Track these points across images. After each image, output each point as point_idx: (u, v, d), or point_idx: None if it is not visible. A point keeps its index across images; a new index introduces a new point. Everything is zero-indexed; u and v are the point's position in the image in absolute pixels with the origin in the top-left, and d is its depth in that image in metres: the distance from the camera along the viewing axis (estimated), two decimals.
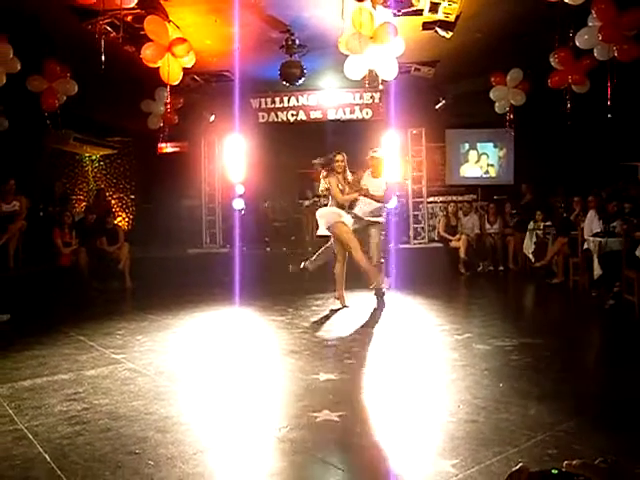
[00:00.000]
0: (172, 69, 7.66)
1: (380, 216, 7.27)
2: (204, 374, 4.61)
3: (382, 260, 7.30)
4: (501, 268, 10.97)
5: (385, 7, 6.91)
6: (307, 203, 11.94)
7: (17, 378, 4.36)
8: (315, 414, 3.46)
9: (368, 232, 7.18)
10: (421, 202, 11.69)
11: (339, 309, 7.15)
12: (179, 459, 2.86)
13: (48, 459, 2.89)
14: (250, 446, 3.11)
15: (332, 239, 7.15)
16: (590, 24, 7.31)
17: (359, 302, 7.39)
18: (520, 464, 0.68)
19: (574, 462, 0.67)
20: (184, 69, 8.01)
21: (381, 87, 9.23)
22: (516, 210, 11.49)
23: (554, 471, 0.67)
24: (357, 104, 11.08)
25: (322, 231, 7.15)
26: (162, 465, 2.79)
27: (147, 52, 7.38)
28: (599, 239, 7.54)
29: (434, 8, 7.16)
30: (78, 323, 6.44)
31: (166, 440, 3.11)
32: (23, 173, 9.96)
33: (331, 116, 11.17)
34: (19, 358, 4.95)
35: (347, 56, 7.15)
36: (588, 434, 3.07)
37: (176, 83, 8.06)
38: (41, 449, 3.01)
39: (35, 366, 4.70)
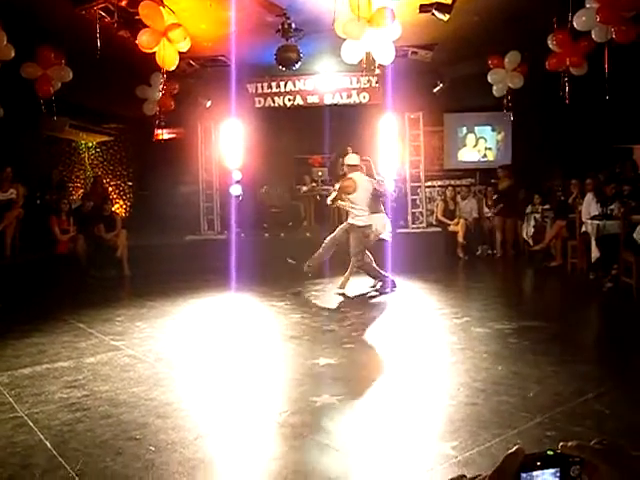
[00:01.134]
0: (168, 54, 7.60)
1: (356, 218, 7.25)
2: (204, 360, 4.62)
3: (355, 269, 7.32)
4: (495, 251, 10.95)
5: None
6: (305, 189, 11.91)
7: (17, 366, 4.36)
8: (315, 398, 3.47)
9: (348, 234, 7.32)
10: (419, 186, 11.65)
11: (340, 293, 7.17)
12: (180, 444, 2.87)
13: (49, 446, 2.90)
14: (250, 431, 3.12)
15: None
16: (588, 5, 7.27)
17: (358, 288, 7.41)
18: (516, 446, 0.67)
19: (569, 443, 0.66)
20: (179, 54, 7.95)
21: (377, 71, 9.19)
22: (496, 195, 11.38)
23: (550, 452, 0.67)
24: (354, 88, 11.02)
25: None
26: (163, 450, 2.80)
27: (143, 38, 7.32)
28: (597, 222, 7.53)
29: None
30: (77, 310, 6.43)
31: (166, 426, 3.12)
32: (19, 161, 9.92)
33: (328, 100, 11.11)
34: (18, 346, 4.95)
35: (343, 40, 7.10)
36: (587, 416, 3.09)
37: (172, 68, 8.01)
38: (42, 436, 3.02)
39: (34, 354, 4.70)
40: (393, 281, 7.31)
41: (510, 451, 0.66)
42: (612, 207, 7.73)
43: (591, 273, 7.81)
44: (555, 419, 3.04)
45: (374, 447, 2.85)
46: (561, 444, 0.67)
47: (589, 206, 8.10)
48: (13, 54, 7.54)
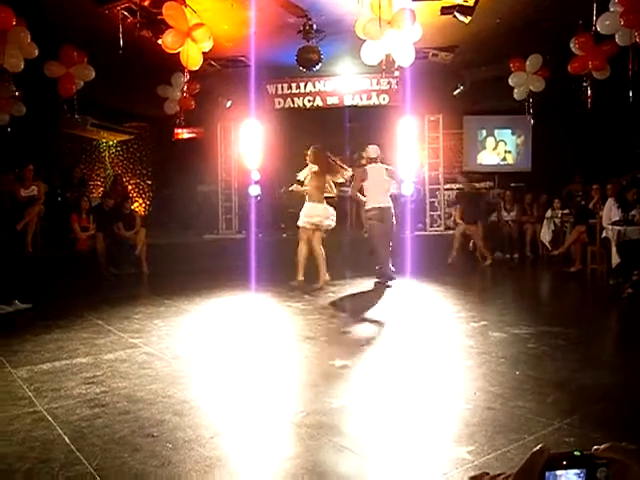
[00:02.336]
0: (192, 54, 7.64)
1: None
2: (221, 359, 4.64)
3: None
4: (515, 255, 10.89)
5: None
6: None
7: (36, 361, 4.41)
8: (331, 400, 3.47)
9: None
10: (438, 189, 11.63)
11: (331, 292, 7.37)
12: (196, 442, 2.88)
13: (67, 441, 2.92)
14: (266, 431, 3.13)
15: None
16: (612, 9, 7.19)
17: (375, 290, 7.40)
18: (541, 444, 0.67)
19: (603, 446, 0.66)
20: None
21: (397, 73, 9.18)
22: (456, 201, 11.31)
23: (576, 453, 0.66)
24: (374, 90, 11.01)
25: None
26: (179, 448, 2.82)
27: (168, 39, 7.37)
28: (618, 227, 7.46)
29: None
30: (96, 307, 6.49)
31: (183, 423, 3.13)
32: (41, 158, 10.04)
33: (348, 102, 11.11)
34: (38, 342, 5.01)
35: (364, 41, 7.10)
36: (606, 422, 3.05)
37: (196, 68, 8.05)
38: (60, 431, 3.05)
39: (54, 350, 4.75)
40: None
41: (535, 449, 0.66)
42: (633, 213, 7.65)
43: (611, 279, 7.73)
44: (573, 425, 3.01)
45: (389, 449, 2.84)
46: (595, 447, 0.66)
47: (610, 211, 8.02)
48: (37, 53, 7.62)
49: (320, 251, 7.59)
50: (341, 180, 7.99)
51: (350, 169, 8.01)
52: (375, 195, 7.72)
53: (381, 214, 7.66)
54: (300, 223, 7.73)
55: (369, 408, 3.41)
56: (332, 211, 7.77)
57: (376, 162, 7.88)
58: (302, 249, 7.63)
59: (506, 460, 2.61)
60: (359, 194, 7.91)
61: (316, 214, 7.62)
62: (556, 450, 0.67)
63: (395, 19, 6.70)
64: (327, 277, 7.66)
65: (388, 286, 7.62)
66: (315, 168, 7.67)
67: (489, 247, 10.34)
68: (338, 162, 7.88)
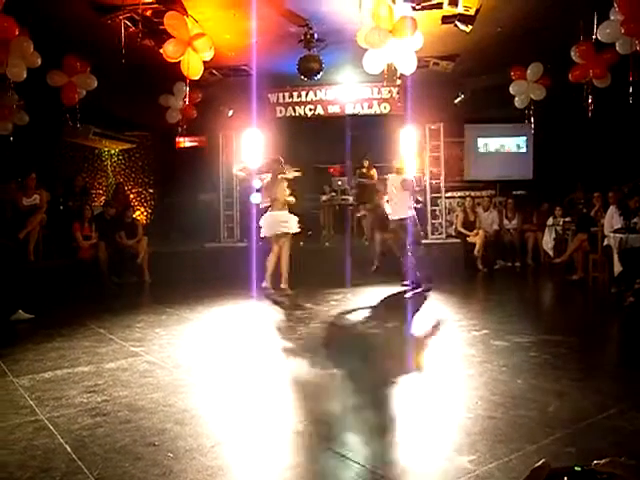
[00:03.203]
0: (193, 63, 7.69)
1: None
2: (222, 367, 4.63)
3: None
4: (517, 263, 10.91)
5: (404, 0, 6.89)
6: (324, 198, 11.92)
7: (38, 370, 4.41)
8: (331, 409, 3.47)
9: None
10: (439, 197, 11.63)
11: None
12: (197, 451, 2.87)
13: (68, 450, 2.92)
14: (267, 440, 3.12)
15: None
16: (612, 18, 7.22)
17: (376, 298, 7.40)
18: (542, 460, 0.67)
19: (602, 461, 0.66)
20: (203, 63, 8.03)
21: (399, 82, 9.21)
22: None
23: (577, 468, 0.66)
24: (375, 99, 11.05)
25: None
26: (181, 457, 2.81)
27: (169, 48, 7.41)
28: (620, 235, 7.45)
29: (454, 2, 7.11)
30: (97, 316, 6.49)
31: (185, 432, 3.13)
32: (44, 167, 10.06)
33: (349, 111, 11.15)
34: (40, 350, 5.01)
35: (365, 50, 7.13)
36: (608, 432, 3.04)
37: (197, 77, 8.09)
38: (61, 440, 3.04)
39: (55, 358, 4.75)
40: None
41: (537, 464, 0.66)
42: (635, 220, 7.64)
43: (613, 287, 7.72)
44: (575, 435, 3.00)
45: (391, 458, 2.84)
46: (595, 462, 0.66)
47: (612, 219, 8.02)
48: (40, 62, 7.66)
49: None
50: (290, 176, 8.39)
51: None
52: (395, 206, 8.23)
53: (401, 225, 8.08)
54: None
55: (370, 417, 3.40)
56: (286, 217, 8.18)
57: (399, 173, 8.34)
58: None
59: (507, 470, 2.60)
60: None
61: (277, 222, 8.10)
62: (557, 463, 0.67)
63: (396, 28, 6.73)
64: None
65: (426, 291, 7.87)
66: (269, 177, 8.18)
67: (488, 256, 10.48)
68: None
